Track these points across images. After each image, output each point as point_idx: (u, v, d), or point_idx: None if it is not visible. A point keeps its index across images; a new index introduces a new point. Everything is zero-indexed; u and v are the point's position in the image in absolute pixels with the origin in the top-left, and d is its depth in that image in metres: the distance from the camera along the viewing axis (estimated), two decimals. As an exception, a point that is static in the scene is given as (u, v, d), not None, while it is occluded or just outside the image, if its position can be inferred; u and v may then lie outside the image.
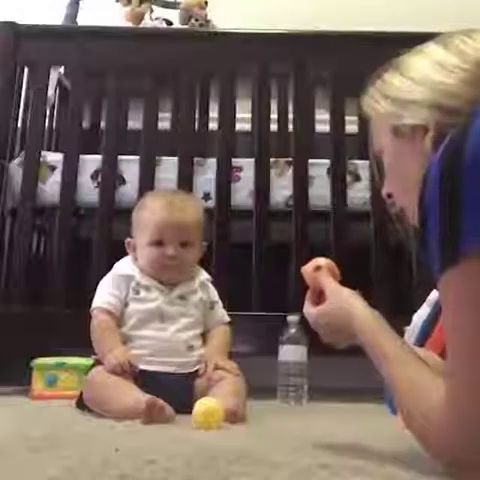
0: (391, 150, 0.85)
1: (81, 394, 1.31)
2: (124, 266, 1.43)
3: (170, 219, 1.39)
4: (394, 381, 0.74)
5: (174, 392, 1.22)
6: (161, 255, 1.38)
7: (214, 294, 1.48)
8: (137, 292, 1.38)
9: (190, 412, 1.07)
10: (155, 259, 1.39)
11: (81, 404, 1.30)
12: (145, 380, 1.26)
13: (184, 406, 1.15)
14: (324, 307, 0.89)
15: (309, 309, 0.92)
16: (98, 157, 2.03)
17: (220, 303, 1.48)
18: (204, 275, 1.47)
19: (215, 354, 1.36)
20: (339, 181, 1.97)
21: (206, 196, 1.99)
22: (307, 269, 0.96)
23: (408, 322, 1.34)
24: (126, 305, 1.37)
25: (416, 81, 0.79)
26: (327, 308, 0.89)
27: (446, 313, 0.66)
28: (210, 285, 1.48)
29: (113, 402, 1.18)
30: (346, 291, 0.89)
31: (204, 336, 1.42)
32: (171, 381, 1.29)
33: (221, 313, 1.47)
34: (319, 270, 0.94)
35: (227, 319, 1.47)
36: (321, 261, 0.96)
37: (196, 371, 1.33)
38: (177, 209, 1.41)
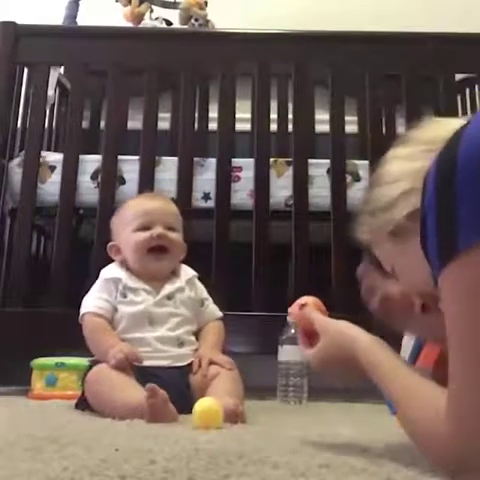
0: (400, 254, 0.81)
1: (81, 395, 1.31)
2: (111, 269, 1.43)
3: (154, 205, 1.45)
4: (397, 398, 0.73)
5: (172, 387, 1.21)
6: (149, 236, 1.39)
7: (203, 291, 1.47)
8: (124, 295, 1.37)
9: (189, 410, 1.07)
10: (143, 241, 1.39)
11: (81, 405, 1.30)
12: (142, 377, 1.26)
13: (182, 400, 1.16)
14: (322, 344, 0.87)
15: (308, 352, 0.89)
16: (98, 157, 2.03)
17: (210, 299, 1.47)
18: (190, 272, 1.47)
19: (208, 350, 1.36)
20: (339, 181, 1.97)
21: (206, 196, 1.99)
22: (293, 309, 0.93)
23: (408, 322, 1.34)
24: (115, 309, 1.37)
25: (393, 180, 0.79)
26: (325, 344, 0.86)
27: (446, 315, 0.66)
28: (197, 282, 1.47)
29: (116, 400, 1.18)
30: (338, 322, 0.87)
31: (197, 334, 1.42)
32: (167, 376, 1.28)
33: (212, 309, 1.47)
34: (304, 308, 0.92)
35: (219, 314, 1.47)
36: (306, 299, 0.94)
37: (190, 364, 1.33)
38: (159, 199, 1.52)
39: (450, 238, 0.63)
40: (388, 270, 0.85)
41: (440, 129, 0.77)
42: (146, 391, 1.09)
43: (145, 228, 1.40)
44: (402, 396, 0.73)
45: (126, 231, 1.42)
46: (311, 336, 0.90)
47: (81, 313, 1.38)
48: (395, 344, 0.82)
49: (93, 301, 1.37)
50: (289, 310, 0.95)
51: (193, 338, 1.40)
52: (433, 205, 0.66)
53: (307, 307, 0.92)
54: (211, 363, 1.32)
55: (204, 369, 1.31)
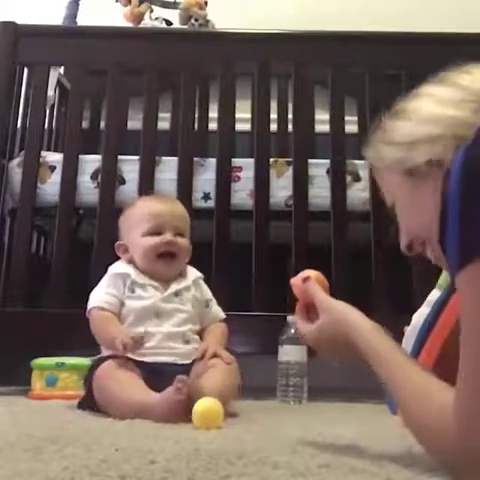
0: (406, 193, 0.82)
1: (84, 395, 1.31)
2: (119, 266, 1.44)
3: (166, 209, 1.46)
4: (398, 388, 0.73)
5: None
6: (159, 242, 1.40)
7: (208, 292, 1.49)
8: (132, 290, 1.39)
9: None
10: (152, 246, 1.40)
11: (83, 404, 1.30)
12: (146, 373, 1.26)
13: None
14: (321, 323, 0.87)
15: (306, 327, 0.90)
16: (98, 157, 2.03)
17: (214, 300, 1.49)
18: (196, 273, 1.48)
19: (213, 343, 1.37)
20: (339, 181, 1.97)
21: (206, 196, 1.99)
22: (295, 281, 0.93)
23: (408, 322, 1.34)
24: (122, 304, 1.38)
25: (423, 120, 0.78)
26: (324, 323, 0.87)
27: (462, 313, 0.65)
28: (203, 283, 1.49)
29: (124, 398, 1.18)
30: (339, 303, 0.87)
31: (200, 333, 1.43)
32: (171, 373, 1.27)
33: (216, 310, 1.48)
34: (308, 281, 0.92)
35: (223, 316, 1.49)
36: (309, 273, 0.94)
37: (194, 362, 1.34)
38: (170, 202, 1.52)
39: (471, 238, 0.62)
40: (387, 202, 0.86)
41: None
42: (176, 385, 1.11)
43: (155, 233, 1.41)
44: (403, 387, 0.72)
45: (135, 233, 1.43)
46: (309, 310, 0.90)
47: (88, 308, 1.38)
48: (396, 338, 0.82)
49: (101, 296, 1.38)
50: (291, 281, 0.94)
51: (197, 337, 1.41)
52: (455, 201, 0.64)
53: (310, 281, 0.91)
54: (214, 355, 1.32)
55: (207, 358, 1.32)
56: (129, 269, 1.42)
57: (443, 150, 0.74)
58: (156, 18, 2.51)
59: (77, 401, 1.33)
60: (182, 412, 1.09)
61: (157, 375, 1.25)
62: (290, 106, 2.33)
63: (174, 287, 1.41)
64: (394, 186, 0.83)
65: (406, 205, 0.83)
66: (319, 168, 2.00)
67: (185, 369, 1.31)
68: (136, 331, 1.34)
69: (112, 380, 1.24)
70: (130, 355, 1.28)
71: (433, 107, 0.78)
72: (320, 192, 1.98)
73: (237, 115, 2.15)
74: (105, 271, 1.45)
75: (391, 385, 0.74)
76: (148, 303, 1.37)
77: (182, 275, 1.45)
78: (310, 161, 2.01)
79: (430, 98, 0.79)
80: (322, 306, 0.88)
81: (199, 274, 1.49)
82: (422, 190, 0.78)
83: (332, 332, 0.85)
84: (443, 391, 0.66)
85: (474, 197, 0.63)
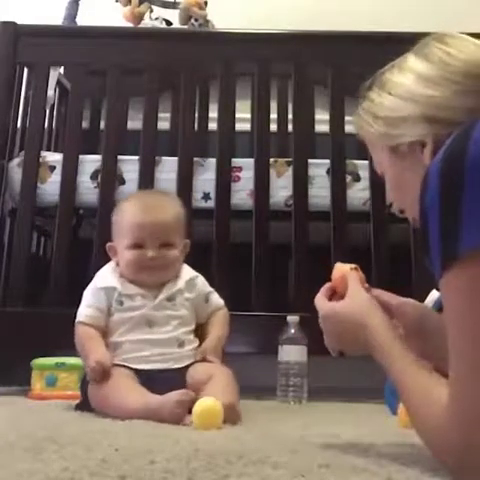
0: (392, 168, 0.84)
1: (82, 398, 1.31)
2: (105, 277, 1.41)
3: (147, 221, 1.37)
4: (404, 388, 0.73)
5: (171, 390, 1.21)
6: (141, 257, 1.35)
7: (205, 286, 1.45)
8: (120, 303, 1.36)
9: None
10: (135, 261, 1.36)
11: (80, 407, 1.30)
12: (140, 381, 1.26)
13: None
14: (342, 304, 0.87)
15: (324, 302, 0.90)
16: (98, 157, 2.03)
17: (213, 290, 1.46)
18: (190, 273, 1.44)
19: (211, 347, 1.36)
20: (339, 181, 1.97)
21: (206, 196, 1.99)
22: (340, 265, 0.95)
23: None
24: (111, 315, 1.36)
25: (405, 98, 0.79)
26: (344, 306, 0.87)
27: (448, 314, 0.66)
28: (197, 281, 1.44)
29: (120, 403, 1.18)
30: (368, 297, 0.87)
31: (199, 329, 1.41)
32: (167, 379, 1.27)
33: (216, 300, 1.45)
34: (354, 271, 0.93)
35: (222, 302, 1.46)
36: (357, 268, 0.95)
37: (189, 365, 1.33)
38: (153, 210, 1.39)
39: (452, 243, 0.63)
40: (378, 171, 0.89)
41: (469, 56, 0.76)
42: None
43: (138, 245, 1.36)
44: (404, 385, 0.73)
45: (121, 242, 1.40)
46: (333, 296, 0.92)
47: (75, 323, 1.37)
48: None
49: (84, 310, 1.37)
50: (337, 264, 0.95)
51: (192, 337, 1.39)
52: (436, 207, 0.65)
53: (355, 272, 0.92)
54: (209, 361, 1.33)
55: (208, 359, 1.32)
56: (115, 280, 1.38)
57: (423, 132, 0.76)
58: (156, 18, 2.51)
59: (75, 404, 1.33)
60: (187, 412, 1.09)
61: (150, 382, 1.24)
62: (290, 106, 2.33)
63: (166, 292, 1.37)
64: (381, 160, 0.86)
65: (390, 181, 0.87)
66: (319, 168, 2.00)
67: (179, 373, 1.31)
68: (129, 339, 1.33)
69: (111, 387, 1.23)
70: (124, 363, 1.29)
71: (416, 85, 0.79)
72: (320, 192, 1.98)
73: (237, 115, 2.15)
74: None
75: (396, 382, 0.75)
76: (138, 313, 1.34)
77: (176, 276, 1.41)
78: (310, 161, 2.01)
79: (414, 75, 0.80)
80: (351, 293, 0.88)
81: (194, 274, 1.44)
82: (406, 170, 0.81)
83: (347, 316, 0.85)
84: (439, 387, 0.67)
85: (455, 201, 0.63)
